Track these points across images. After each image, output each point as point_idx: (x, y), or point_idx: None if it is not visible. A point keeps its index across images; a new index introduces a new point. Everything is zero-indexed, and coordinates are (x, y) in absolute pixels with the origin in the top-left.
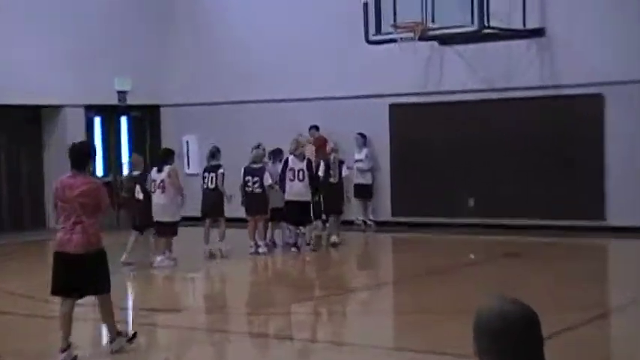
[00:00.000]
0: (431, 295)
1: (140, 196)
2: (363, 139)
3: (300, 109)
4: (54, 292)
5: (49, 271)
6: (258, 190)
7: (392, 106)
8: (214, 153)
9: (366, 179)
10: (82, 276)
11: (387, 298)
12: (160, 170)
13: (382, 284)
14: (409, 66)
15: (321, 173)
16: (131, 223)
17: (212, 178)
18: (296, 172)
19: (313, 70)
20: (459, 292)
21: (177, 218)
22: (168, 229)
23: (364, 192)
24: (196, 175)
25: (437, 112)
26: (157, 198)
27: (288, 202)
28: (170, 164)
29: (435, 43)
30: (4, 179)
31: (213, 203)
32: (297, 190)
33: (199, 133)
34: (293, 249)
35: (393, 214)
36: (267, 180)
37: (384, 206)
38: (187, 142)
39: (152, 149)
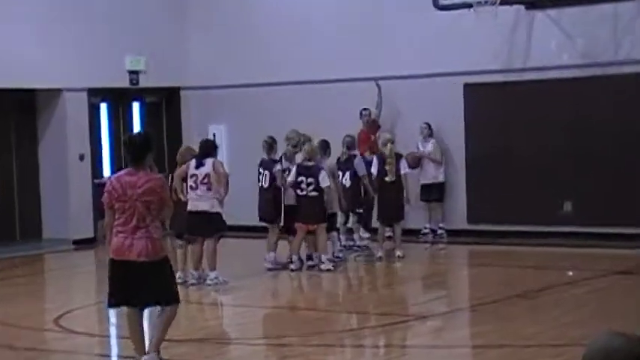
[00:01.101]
0: (519, 324)
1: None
2: (430, 130)
3: (348, 92)
4: (113, 304)
5: (44, 296)
6: (313, 194)
7: (467, 87)
8: (271, 144)
9: (436, 177)
10: (146, 286)
11: (464, 327)
12: (200, 164)
13: (457, 310)
14: (488, 36)
15: (374, 170)
16: (174, 232)
17: (266, 175)
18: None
19: (366, 43)
20: (556, 321)
21: (221, 209)
22: (212, 226)
23: (433, 193)
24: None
25: (523, 94)
26: (198, 197)
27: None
28: (213, 156)
29: (522, 8)
30: None
31: (272, 206)
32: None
33: (230, 121)
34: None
35: (470, 221)
36: (325, 180)
37: (457, 211)
38: (214, 134)
39: (171, 142)
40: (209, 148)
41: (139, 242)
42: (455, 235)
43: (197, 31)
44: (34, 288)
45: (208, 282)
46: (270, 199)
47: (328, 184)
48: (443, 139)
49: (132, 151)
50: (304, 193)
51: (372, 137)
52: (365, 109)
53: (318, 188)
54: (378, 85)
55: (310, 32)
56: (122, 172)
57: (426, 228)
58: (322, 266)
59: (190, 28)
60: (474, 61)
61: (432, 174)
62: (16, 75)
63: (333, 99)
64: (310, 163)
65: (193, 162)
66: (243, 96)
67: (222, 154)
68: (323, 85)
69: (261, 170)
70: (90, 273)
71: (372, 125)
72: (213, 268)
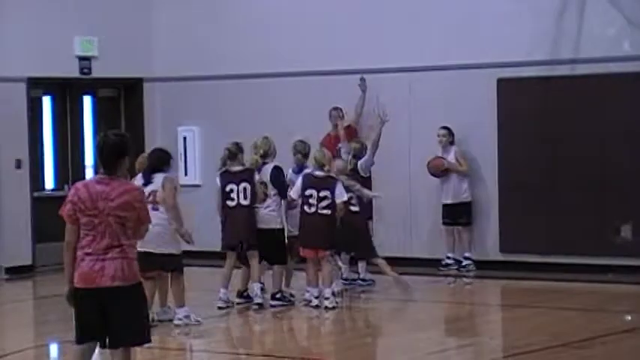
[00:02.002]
0: None
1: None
2: (450, 136)
3: (348, 86)
4: (81, 340)
5: None
6: (325, 212)
7: (501, 82)
8: (235, 154)
9: (460, 195)
10: (117, 318)
11: None
12: (148, 182)
13: None
14: (528, 20)
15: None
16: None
17: (246, 189)
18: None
19: (369, 30)
20: None
21: (176, 250)
22: (167, 262)
23: (458, 215)
24: (198, 186)
25: (572, 92)
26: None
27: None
28: (165, 171)
29: None
30: None
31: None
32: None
33: (204, 121)
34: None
35: (503, 250)
36: (343, 194)
37: (487, 238)
38: (185, 138)
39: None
40: (160, 160)
41: (112, 264)
42: (484, 267)
43: (165, 7)
44: None
45: (176, 321)
46: (249, 218)
47: (345, 198)
48: (469, 148)
49: (105, 154)
50: (313, 210)
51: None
52: (336, 108)
53: (332, 205)
54: (362, 81)
55: (304, 15)
56: (91, 180)
57: (448, 258)
58: (327, 302)
59: (157, 3)
60: (510, 50)
61: (455, 191)
62: None
63: (330, 94)
64: (322, 173)
65: (139, 177)
66: (222, 90)
67: (195, 163)
68: (319, 77)
69: (232, 186)
70: (26, 309)
71: (346, 131)
72: (181, 305)
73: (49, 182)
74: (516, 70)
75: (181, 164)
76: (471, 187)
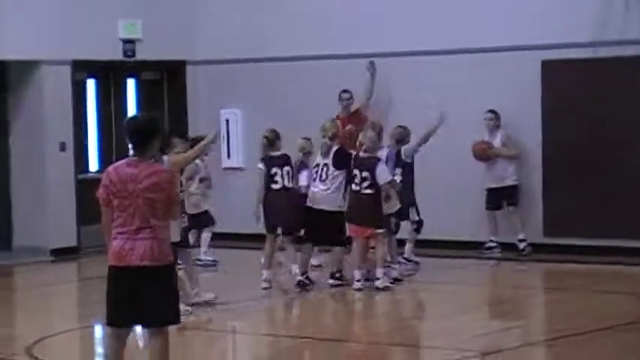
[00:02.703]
0: None
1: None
2: (497, 119)
3: (393, 68)
4: (111, 322)
5: (14, 319)
6: (368, 191)
7: (546, 65)
8: (273, 141)
9: (505, 178)
10: (147, 298)
11: None
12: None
13: (530, 345)
14: (573, 1)
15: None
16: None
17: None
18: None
19: (413, 9)
20: None
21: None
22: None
23: (503, 199)
24: (240, 169)
25: (620, 74)
26: None
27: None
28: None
29: None
30: None
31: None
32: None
33: (248, 104)
34: (358, 284)
35: (547, 234)
36: (385, 175)
37: (532, 222)
38: (227, 121)
39: (174, 128)
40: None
41: (142, 244)
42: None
43: None
44: (1, 309)
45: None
46: (293, 200)
47: (388, 179)
48: (514, 131)
49: (134, 136)
50: (357, 189)
51: (348, 129)
52: (345, 91)
53: (374, 185)
54: (372, 65)
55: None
56: (122, 162)
57: (491, 241)
58: (378, 283)
59: None
60: (556, 31)
61: (500, 175)
62: None
63: (389, 75)
64: (366, 155)
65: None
66: (265, 73)
67: (237, 146)
68: (364, 59)
69: (276, 169)
70: (71, 291)
71: (353, 115)
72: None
73: (93, 165)
74: (561, 52)
75: (224, 147)
76: (516, 171)
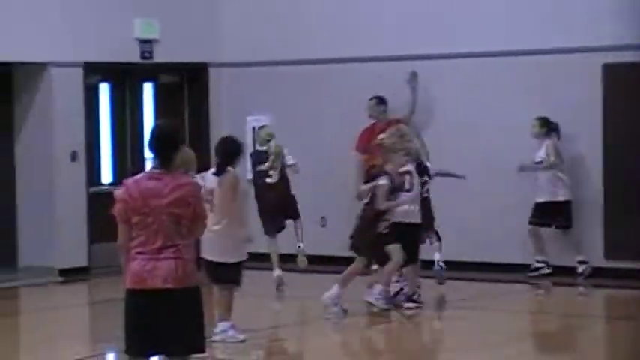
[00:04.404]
0: None
1: None
2: (544, 127)
3: (440, 72)
4: (130, 351)
5: (19, 345)
6: (427, 195)
7: (607, 68)
8: None
9: (553, 193)
10: (170, 324)
11: None
12: (219, 173)
13: None
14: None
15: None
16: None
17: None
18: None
19: (454, 8)
20: None
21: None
22: (227, 273)
23: (550, 215)
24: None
25: None
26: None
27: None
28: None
29: None
30: None
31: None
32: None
33: (276, 110)
34: (407, 304)
35: (609, 256)
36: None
37: (590, 243)
38: (254, 129)
39: (194, 137)
40: (233, 152)
41: (165, 264)
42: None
43: None
44: (6, 334)
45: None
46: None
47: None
48: (570, 141)
49: (159, 146)
50: (426, 195)
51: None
52: (378, 97)
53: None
54: (413, 76)
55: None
56: (142, 176)
57: (538, 261)
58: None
59: None
60: (618, 32)
61: (550, 189)
62: None
63: (425, 79)
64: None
65: (209, 174)
66: (295, 76)
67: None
68: (400, 62)
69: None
70: (82, 314)
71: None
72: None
73: (107, 177)
74: (626, 54)
75: (248, 157)
76: (571, 185)
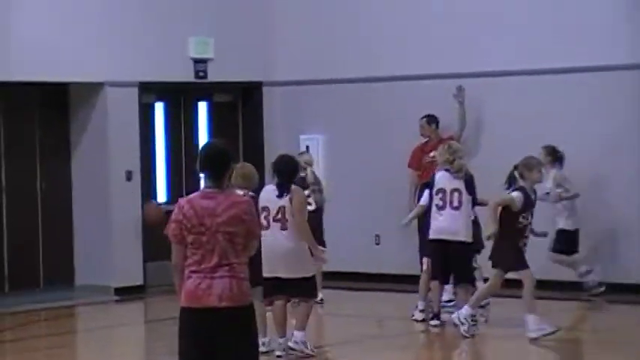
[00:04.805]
0: None
1: None
2: (552, 157)
3: (476, 90)
4: None
5: None
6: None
7: None
8: None
9: (566, 222)
10: (225, 343)
11: None
12: (282, 194)
13: None
14: None
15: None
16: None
17: None
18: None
19: (492, 27)
20: None
21: (311, 272)
22: (301, 289)
23: (564, 243)
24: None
25: None
26: (276, 238)
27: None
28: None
29: None
30: (5, 202)
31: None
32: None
33: (330, 128)
34: (433, 322)
35: None
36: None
37: (629, 262)
38: (308, 147)
39: (249, 155)
40: (294, 171)
41: (220, 282)
42: (624, 291)
43: (287, 4)
44: (63, 352)
45: (292, 344)
46: None
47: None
48: (609, 164)
49: (212, 165)
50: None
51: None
52: (429, 116)
53: None
54: (460, 91)
55: (433, 14)
56: (196, 195)
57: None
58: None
59: (278, 0)
60: None
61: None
62: (43, 64)
63: (476, 98)
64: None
65: (272, 189)
66: (349, 95)
67: (319, 174)
68: (451, 80)
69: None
70: (137, 333)
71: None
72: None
73: (162, 195)
74: None
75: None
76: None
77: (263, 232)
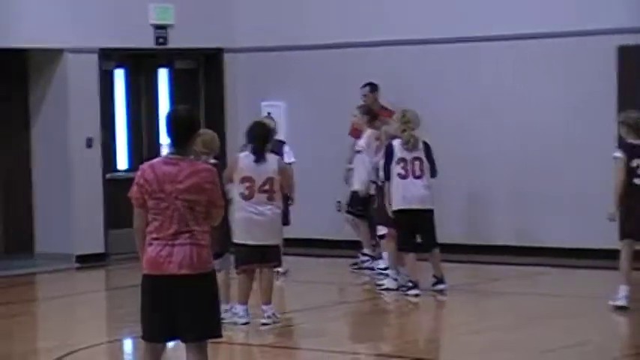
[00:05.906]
0: None
1: None
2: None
3: (450, 56)
4: (147, 337)
5: (37, 331)
6: None
7: (622, 51)
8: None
9: None
10: (186, 310)
11: None
12: (259, 159)
13: None
14: None
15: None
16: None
17: None
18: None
19: None
20: None
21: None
22: (276, 255)
23: None
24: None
25: None
26: (262, 208)
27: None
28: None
29: None
30: None
31: None
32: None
33: (292, 95)
34: (413, 292)
35: None
36: None
37: None
38: (269, 113)
39: (210, 122)
40: (266, 139)
41: (181, 250)
42: None
43: None
44: (24, 320)
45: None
46: None
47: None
48: (583, 126)
49: (176, 131)
50: None
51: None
52: (370, 84)
53: None
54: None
55: None
56: (159, 160)
57: None
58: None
59: None
60: (634, 13)
61: None
62: (1, 30)
63: (433, 64)
64: None
65: (247, 155)
66: (311, 62)
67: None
68: (416, 46)
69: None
70: (99, 301)
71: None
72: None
73: (123, 163)
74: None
75: None
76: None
77: (245, 202)
